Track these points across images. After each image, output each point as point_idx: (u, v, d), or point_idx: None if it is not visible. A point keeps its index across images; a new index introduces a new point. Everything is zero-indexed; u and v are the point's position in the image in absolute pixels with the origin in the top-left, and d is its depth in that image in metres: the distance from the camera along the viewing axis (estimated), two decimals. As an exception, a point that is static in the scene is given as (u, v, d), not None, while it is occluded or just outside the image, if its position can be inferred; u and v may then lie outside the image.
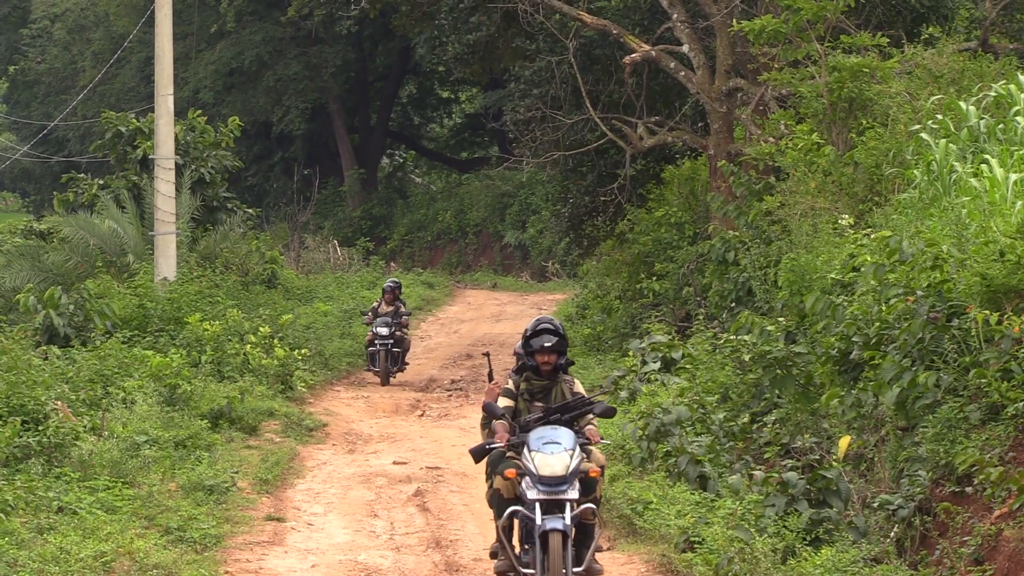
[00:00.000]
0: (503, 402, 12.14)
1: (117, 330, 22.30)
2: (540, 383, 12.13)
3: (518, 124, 29.36)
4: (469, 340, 32.70)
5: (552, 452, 11.41)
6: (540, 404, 12.04)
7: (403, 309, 28.07)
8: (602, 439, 12.01)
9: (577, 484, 11.45)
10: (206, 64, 54.09)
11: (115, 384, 18.90)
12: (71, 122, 54.31)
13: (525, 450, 11.55)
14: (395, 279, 30.10)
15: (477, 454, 11.98)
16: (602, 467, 11.89)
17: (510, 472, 11.59)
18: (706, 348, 18.86)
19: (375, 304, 28.37)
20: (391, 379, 27.04)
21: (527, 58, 29.35)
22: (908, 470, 12.08)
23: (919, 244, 13.63)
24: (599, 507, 11.94)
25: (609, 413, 11.92)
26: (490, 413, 12.10)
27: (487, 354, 14.93)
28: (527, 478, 11.48)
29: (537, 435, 11.60)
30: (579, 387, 12.19)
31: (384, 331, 27.01)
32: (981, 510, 11.06)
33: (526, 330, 12.22)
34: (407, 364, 27.84)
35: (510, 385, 12.24)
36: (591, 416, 11.88)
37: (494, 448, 11.82)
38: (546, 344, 11.99)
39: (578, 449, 11.52)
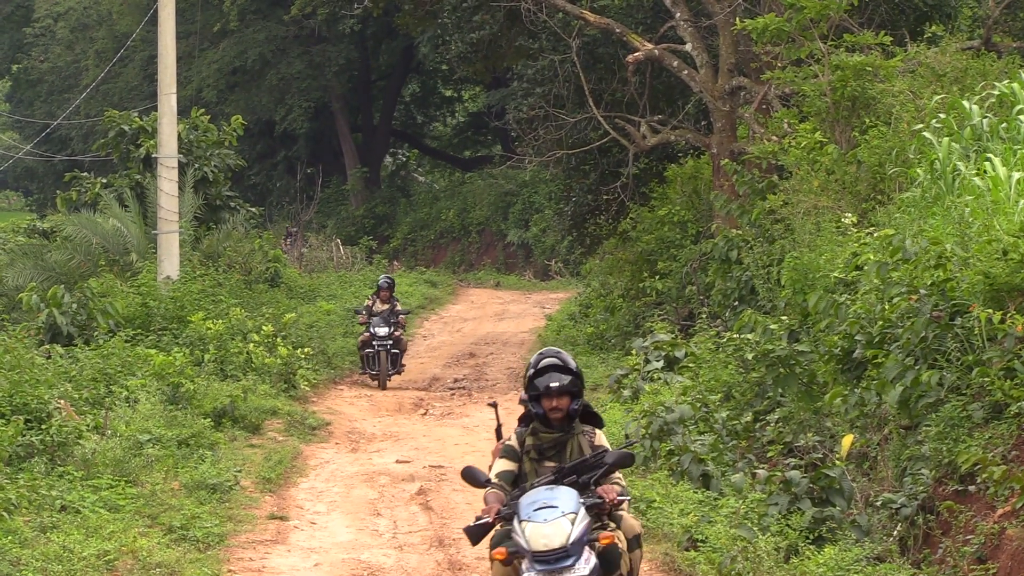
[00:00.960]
0: (501, 465, 9.51)
1: (120, 329, 22.30)
2: (550, 436, 9.47)
3: (521, 123, 29.36)
4: (472, 339, 32.70)
5: (547, 520, 8.86)
6: (552, 464, 9.43)
7: (399, 307, 26.92)
8: (625, 496, 9.37)
9: (592, 558, 8.94)
10: (209, 63, 54.12)
11: (118, 383, 18.90)
12: (74, 121, 54.34)
13: (515, 520, 9.01)
14: (389, 276, 28.97)
15: (473, 535, 9.28)
16: (635, 536, 9.45)
17: (498, 552, 9.12)
18: (709, 347, 18.85)
19: (368, 302, 27.06)
20: (388, 380, 25.88)
21: (530, 57, 29.35)
22: (911, 469, 12.08)
23: (922, 243, 13.63)
24: None
25: (625, 461, 9.34)
26: (471, 481, 9.49)
27: (494, 404, 11.80)
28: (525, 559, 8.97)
29: (529, 500, 9.04)
30: (601, 439, 9.56)
31: (383, 331, 25.72)
32: (984, 509, 11.05)
33: (527, 368, 9.60)
34: (404, 366, 26.65)
35: (512, 442, 9.57)
36: (616, 474, 9.38)
37: (482, 523, 9.20)
38: (553, 385, 9.33)
39: (582, 512, 8.95)
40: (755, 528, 11.97)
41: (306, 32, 53.50)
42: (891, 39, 21.01)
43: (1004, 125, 16.06)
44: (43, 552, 11.95)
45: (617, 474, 9.40)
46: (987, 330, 12.13)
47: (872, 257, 14.22)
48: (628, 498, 9.45)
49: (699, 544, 12.41)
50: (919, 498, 11.66)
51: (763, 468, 13.84)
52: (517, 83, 31.02)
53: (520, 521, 8.98)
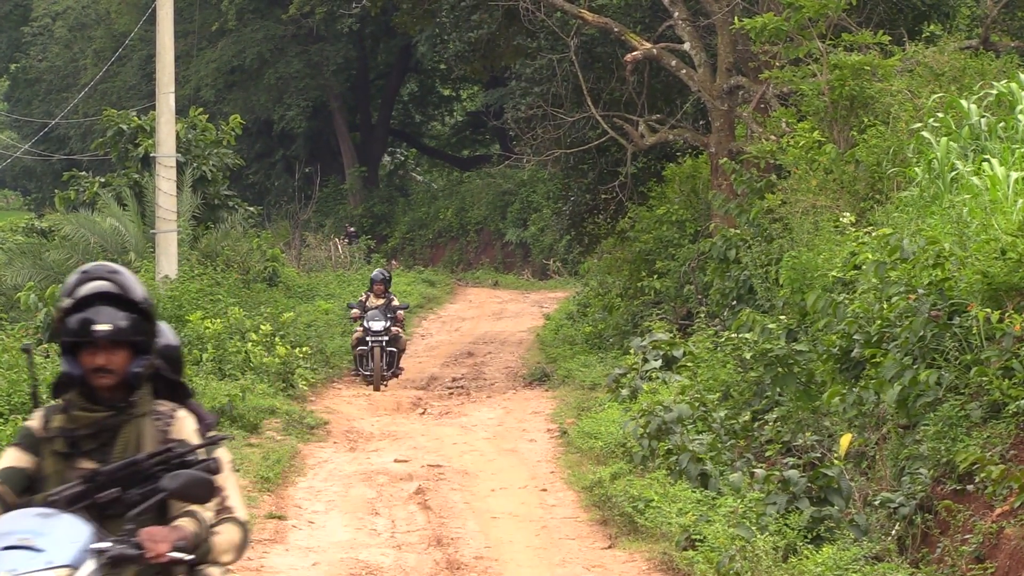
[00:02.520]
0: (9, 459, 5.67)
1: (118, 328, 22.28)
2: (90, 416, 5.70)
3: (519, 122, 29.36)
4: (470, 338, 32.70)
5: (10, 572, 5.12)
6: (89, 464, 5.66)
7: (396, 302, 25.18)
8: (187, 553, 5.49)
9: None
10: (207, 62, 54.13)
11: (116, 382, 18.89)
12: (72, 120, 54.33)
13: None
14: (384, 269, 27.06)
15: None
16: None
17: None
18: (707, 346, 18.86)
19: (362, 297, 25.43)
20: (384, 385, 24.06)
21: (528, 56, 29.36)
22: (909, 468, 12.08)
23: (920, 242, 13.63)
24: None
25: (197, 490, 5.53)
26: None
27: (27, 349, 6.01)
28: None
29: (2, 529, 5.29)
30: (185, 428, 5.84)
31: (378, 325, 23.84)
32: (982, 508, 11.06)
33: (59, 295, 5.86)
34: (402, 369, 24.87)
35: (34, 422, 5.77)
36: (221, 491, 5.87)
37: None
38: (100, 328, 5.57)
39: (89, 567, 5.24)
40: (753, 527, 11.97)
41: (304, 31, 53.51)
42: (889, 38, 21.01)
43: (1002, 124, 16.07)
44: (41, 551, 11.95)
45: (223, 491, 5.90)
46: (985, 329, 12.13)
47: (870, 256, 14.23)
48: (191, 558, 5.55)
49: (697, 543, 12.41)
50: (917, 497, 11.67)
51: (761, 467, 13.85)
52: (515, 82, 31.01)
53: None
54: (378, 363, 23.80)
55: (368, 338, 24.08)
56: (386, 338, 24.09)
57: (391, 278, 26.36)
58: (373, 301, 24.92)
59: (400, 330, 24.75)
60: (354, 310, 24.93)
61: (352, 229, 51.06)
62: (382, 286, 25.09)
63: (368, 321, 24.13)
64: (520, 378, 26.69)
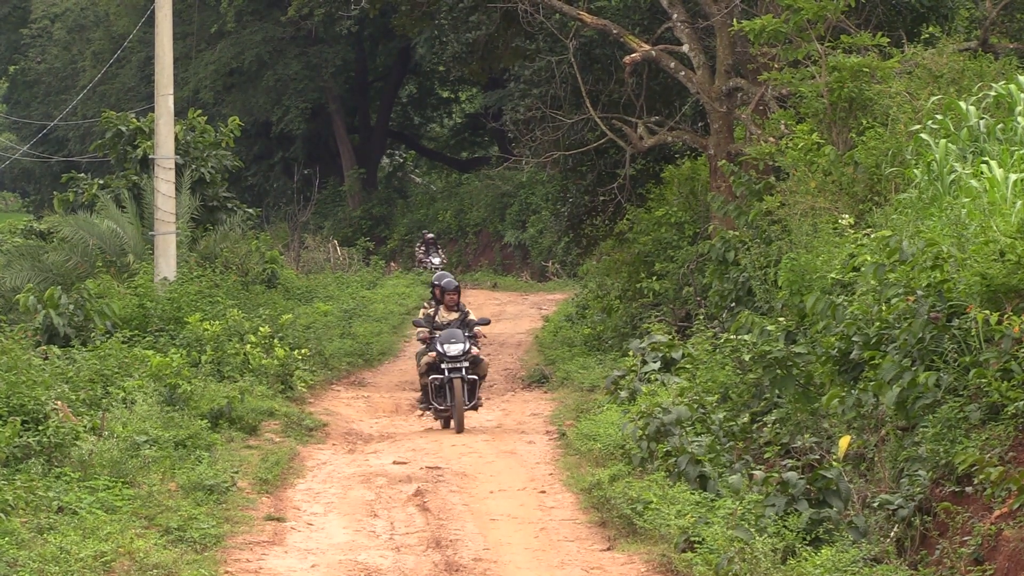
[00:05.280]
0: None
1: (117, 330, 22.30)
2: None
3: (518, 124, 29.36)
4: (469, 340, 32.64)
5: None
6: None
7: (472, 316, 20.85)
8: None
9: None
10: (206, 64, 54.12)
11: (115, 384, 18.90)
12: (71, 122, 54.34)
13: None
14: (452, 277, 21.55)
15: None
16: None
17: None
18: (706, 348, 18.86)
19: (427, 308, 20.94)
20: (465, 420, 19.73)
21: (527, 58, 29.36)
22: (908, 470, 12.08)
23: (919, 244, 13.63)
24: None
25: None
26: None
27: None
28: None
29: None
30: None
31: (456, 349, 19.74)
32: (981, 510, 11.06)
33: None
34: (481, 399, 20.72)
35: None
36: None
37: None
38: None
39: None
40: (752, 529, 11.96)
41: (303, 33, 53.51)
42: (888, 40, 21.01)
43: (1001, 126, 16.08)
44: (40, 553, 11.94)
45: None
46: (984, 331, 12.14)
47: (869, 258, 14.22)
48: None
49: (696, 545, 12.40)
50: (916, 499, 11.67)
51: (760, 469, 13.85)
52: (514, 84, 31.00)
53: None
54: (460, 397, 19.50)
55: (444, 365, 19.76)
56: (466, 364, 19.89)
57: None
58: (444, 315, 20.56)
59: (479, 351, 20.47)
60: (422, 329, 20.43)
61: (430, 235, 49.06)
62: (455, 296, 20.72)
63: (443, 343, 19.86)
64: (519, 380, 26.68)
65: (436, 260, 47.70)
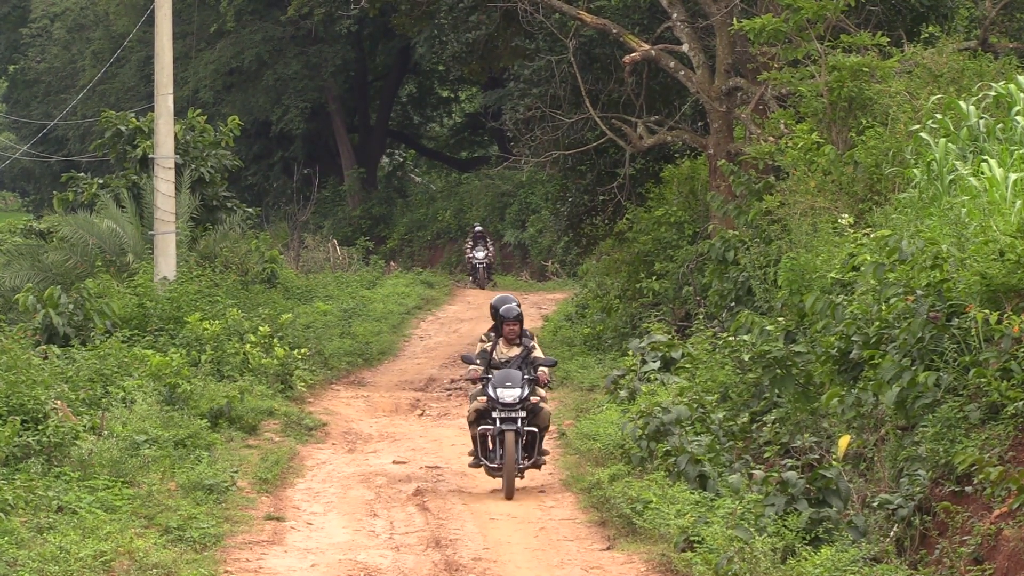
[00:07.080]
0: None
1: (117, 329, 22.30)
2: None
3: (518, 123, 29.36)
4: (469, 339, 32.63)
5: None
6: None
7: (538, 352, 16.93)
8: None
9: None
10: (206, 63, 54.09)
11: (115, 383, 18.90)
12: (71, 121, 54.32)
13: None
14: (514, 301, 17.19)
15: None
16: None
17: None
18: (706, 347, 18.86)
19: (484, 343, 17.07)
20: (519, 476, 16.37)
21: (527, 57, 29.36)
22: (908, 469, 12.09)
23: (919, 243, 13.64)
24: None
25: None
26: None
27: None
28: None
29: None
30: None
31: (511, 395, 16.25)
32: (981, 509, 11.06)
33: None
34: (546, 454, 16.98)
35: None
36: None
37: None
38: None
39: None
40: (752, 529, 11.97)
41: (303, 33, 53.47)
42: (888, 40, 21.01)
43: (1000, 126, 16.08)
44: (40, 553, 11.95)
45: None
46: (984, 331, 12.14)
47: (869, 258, 14.23)
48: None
49: (696, 545, 12.41)
50: (916, 499, 11.67)
51: (760, 469, 13.86)
52: (514, 84, 31.00)
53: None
54: (511, 454, 16.08)
55: (496, 414, 16.34)
56: (523, 414, 16.38)
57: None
58: (503, 351, 16.84)
59: (541, 397, 16.74)
60: (473, 367, 16.80)
61: (479, 228, 44.91)
62: (516, 327, 16.87)
63: (496, 388, 16.38)
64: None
65: (480, 255, 43.15)
